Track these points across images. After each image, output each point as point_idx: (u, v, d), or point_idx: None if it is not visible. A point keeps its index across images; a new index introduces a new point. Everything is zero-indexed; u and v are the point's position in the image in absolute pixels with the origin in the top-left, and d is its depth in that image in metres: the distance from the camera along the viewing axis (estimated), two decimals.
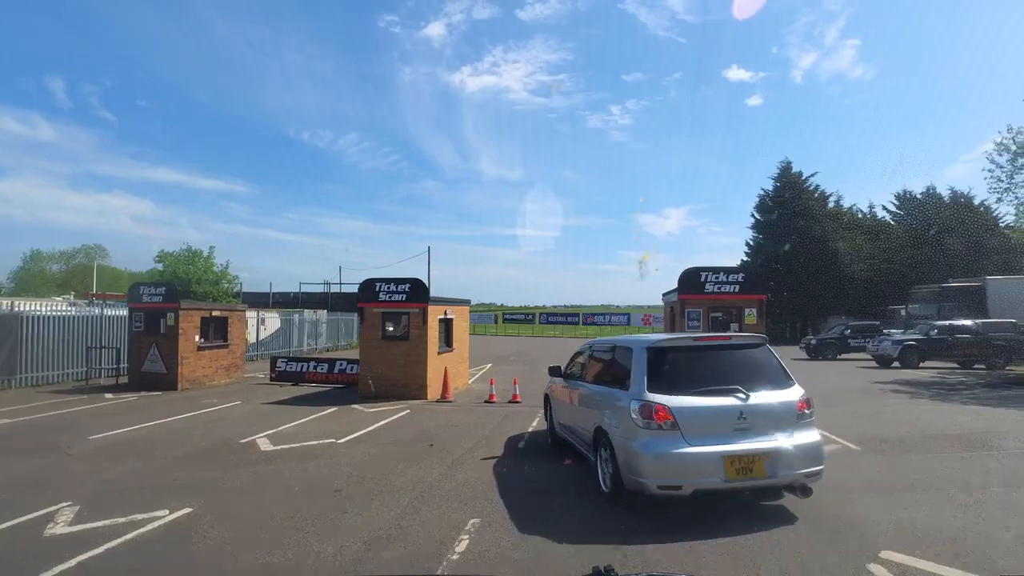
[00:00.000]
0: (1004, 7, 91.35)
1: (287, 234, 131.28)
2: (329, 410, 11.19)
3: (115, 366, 16.28)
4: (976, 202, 38.33)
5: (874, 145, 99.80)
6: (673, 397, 4.95)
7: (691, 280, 12.05)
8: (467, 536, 4.48)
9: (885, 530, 4.50)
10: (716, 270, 12.00)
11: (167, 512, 5.15)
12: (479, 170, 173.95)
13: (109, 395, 13.43)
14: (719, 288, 11.91)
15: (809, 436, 4.98)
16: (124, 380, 15.44)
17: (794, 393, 5.12)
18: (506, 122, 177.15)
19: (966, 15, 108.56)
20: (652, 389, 5.05)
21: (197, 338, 15.07)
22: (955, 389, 14.00)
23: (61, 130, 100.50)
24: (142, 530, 4.73)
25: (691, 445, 4.76)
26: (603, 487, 5.46)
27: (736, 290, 11.86)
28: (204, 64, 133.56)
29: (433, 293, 12.91)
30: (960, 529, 4.50)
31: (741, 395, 4.94)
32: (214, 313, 15.95)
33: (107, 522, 4.91)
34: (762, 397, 5.00)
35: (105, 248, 67.05)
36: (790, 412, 5.00)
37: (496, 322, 55.66)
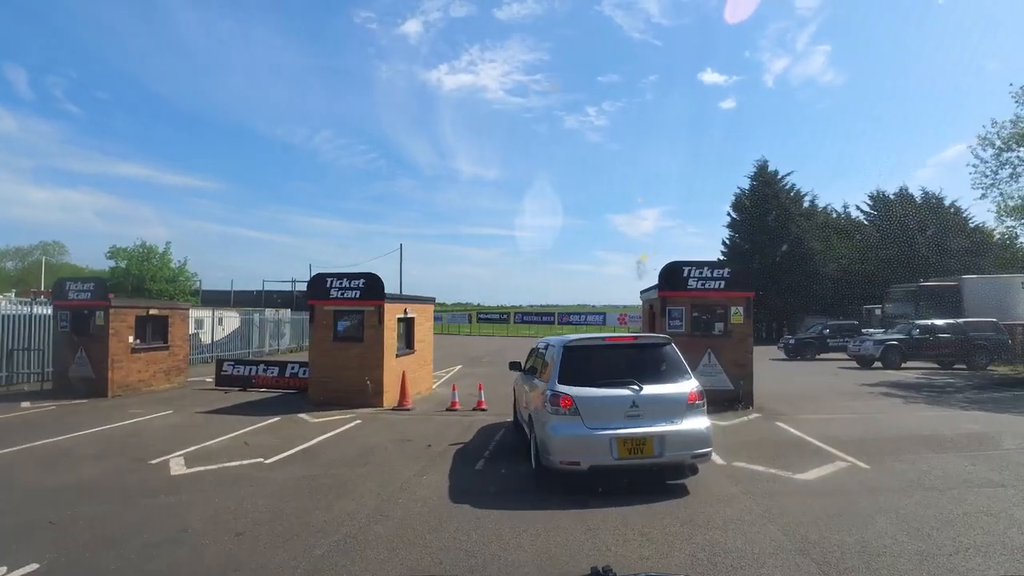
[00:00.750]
0: (971, 16, 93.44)
1: (257, 232, 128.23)
2: (270, 420, 9.91)
3: (41, 370, 14.70)
4: (947, 203, 38.54)
5: (846, 148, 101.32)
6: (577, 388, 5.67)
7: (673, 276, 11.05)
8: None
9: None
10: (700, 265, 11.01)
11: (3, 571, 3.90)
12: (456, 169, 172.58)
13: (27, 403, 11.90)
14: (703, 284, 10.92)
15: (698, 423, 5.62)
16: (49, 386, 13.87)
17: (687, 386, 5.76)
18: (483, 121, 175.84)
19: (934, 24, 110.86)
20: (562, 381, 5.78)
21: (131, 339, 13.58)
22: (946, 392, 13.32)
23: (22, 122, 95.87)
24: None
25: (589, 429, 5.47)
26: (533, 464, 6.17)
27: (722, 286, 10.89)
28: (172, 58, 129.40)
29: (407, 292, 11.73)
30: None
31: (635, 387, 5.60)
32: (151, 312, 14.46)
33: None
34: (655, 389, 5.66)
35: (64, 245, 64.09)
36: (680, 402, 5.63)
37: (470, 322, 54.36)
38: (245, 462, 7.02)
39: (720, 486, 5.77)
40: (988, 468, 6.36)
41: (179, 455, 7.36)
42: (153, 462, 7.06)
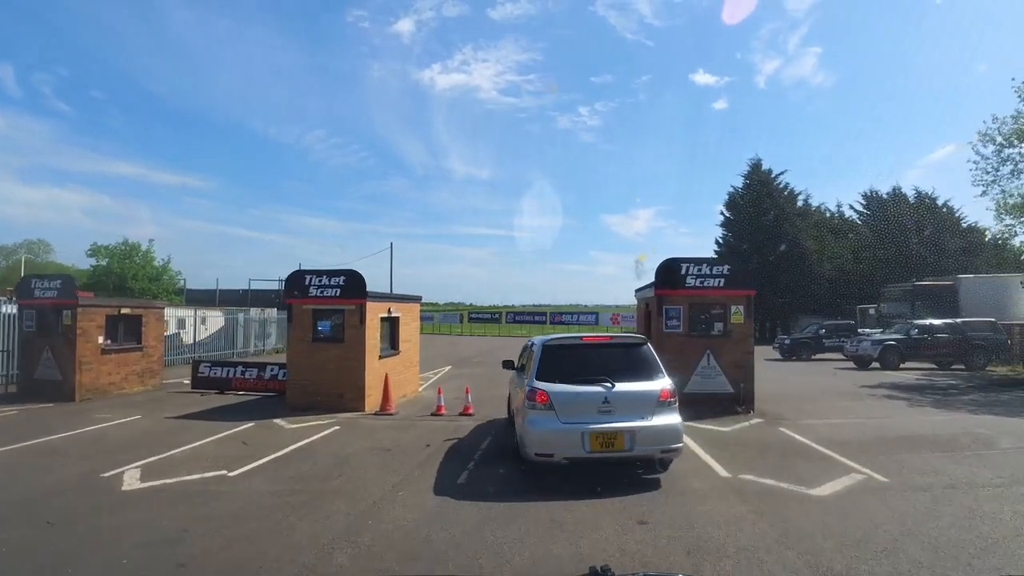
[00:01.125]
0: (958, 18, 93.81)
1: (252, 231, 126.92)
2: (244, 426, 9.30)
3: (6, 372, 13.96)
4: (939, 203, 38.41)
5: (838, 149, 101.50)
6: (553, 385, 5.90)
7: (670, 273, 10.52)
8: None
9: None
10: (699, 261, 10.48)
11: None
12: (449, 168, 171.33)
13: None
14: (702, 282, 10.40)
15: (669, 419, 5.79)
16: (15, 389, 13.15)
17: (659, 384, 5.95)
18: (476, 121, 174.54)
19: (923, 27, 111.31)
20: (540, 377, 6.02)
21: (101, 339, 12.90)
22: (950, 394, 12.89)
23: (11, 120, 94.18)
24: None
25: (563, 423, 5.71)
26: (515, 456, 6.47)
27: (721, 284, 10.37)
28: (168, 56, 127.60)
29: (401, 292, 11.12)
30: None
31: (607, 384, 5.83)
32: (123, 311, 13.76)
33: None
34: (627, 386, 5.86)
35: (49, 243, 62.82)
36: (651, 399, 5.82)
37: (462, 321, 53.71)
38: (207, 475, 6.41)
39: (728, 504, 5.22)
40: (1015, 480, 5.87)
41: (136, 466, 6.74)
42: (106, 475, 6.44)
